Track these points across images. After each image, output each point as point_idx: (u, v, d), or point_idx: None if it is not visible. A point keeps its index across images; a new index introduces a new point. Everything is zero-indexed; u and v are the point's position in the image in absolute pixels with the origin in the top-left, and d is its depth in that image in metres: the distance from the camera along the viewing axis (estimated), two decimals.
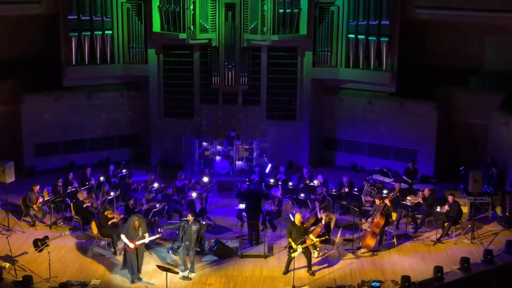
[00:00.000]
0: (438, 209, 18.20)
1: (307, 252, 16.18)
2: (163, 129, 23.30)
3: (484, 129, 21.74)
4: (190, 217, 16.19)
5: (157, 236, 16.49)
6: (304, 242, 16.06)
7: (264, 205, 18.39)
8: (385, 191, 18.95)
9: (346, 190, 19.55)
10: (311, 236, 16.29)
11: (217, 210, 19.63)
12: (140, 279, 15.69)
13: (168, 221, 18.30)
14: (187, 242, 16.05)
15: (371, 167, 22.04)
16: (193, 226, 16.07)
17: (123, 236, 15.66)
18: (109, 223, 17.17)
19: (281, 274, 16.15)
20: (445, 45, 22.40)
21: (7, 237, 17.23)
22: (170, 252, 17.04)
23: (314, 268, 16.35)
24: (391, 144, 22.65)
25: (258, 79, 22.97)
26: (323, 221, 17.08)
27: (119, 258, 16.59)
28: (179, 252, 16.23)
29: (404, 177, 20.73)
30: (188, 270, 16.00)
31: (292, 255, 16.02)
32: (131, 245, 15.58)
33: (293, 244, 16.02)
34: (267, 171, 21.22)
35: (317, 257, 16.88)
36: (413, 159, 21.78)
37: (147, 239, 15.88)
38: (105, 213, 17.34)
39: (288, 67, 22.91)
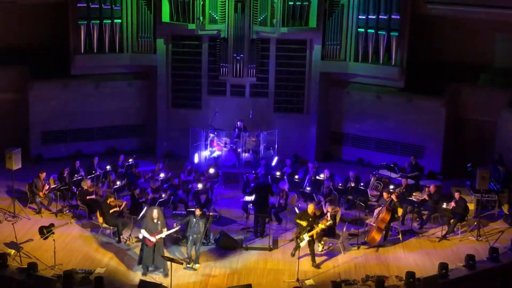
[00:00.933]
0: (444, 205, 18.15)
1: (310, 245, 16.18)
2: (170, 119, 23.28)
3: (492, 126, 21.65)
4: (198, 211, 16.17)
5: (175, 229, 16.22)
6: (311, 230, 16.04)
7: (270, 197, 18.37)
8: (391, 187, 18.91)
9: (352, 184, 19.51)
10: (319, 224, 16.30)
11: (222, 202, 19.63)
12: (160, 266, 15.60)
13: (173, 212, 18.31)
14: (195, 235, 16.05)
15: (378, 162, 21.99)
16: (200, 220, 16.07)
17: (143, 231, 15.53)
18: (111, 211, 17.18)
19: (286, 267, 16.15)
20: (455, 41, 22.29)
21: (12, 224, 17.31)
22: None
23: (318, 261, 16.34)
24: (398, 139, 22.58)
25: (266, 71, 22.91)
26: (328, 215, 17.05)
27: (135, 250, 16.47)
28: (187, 244, 16.19)
29: (408, 173, 20.60)
30: (192, 262, 16.00)
31: (300, 244, 16.04)
32: (152, 239, 15.47)
33: (302, 223, 15.99)
34: (273, 164, 21.20)
35: (322, 251, 16.86)
36: (420, 155, 21.71)
37: (165, 232, 15.71)
38: (108, 201, 17.37)
39: (297, 60, 22.85)
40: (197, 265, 16.03)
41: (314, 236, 16.21)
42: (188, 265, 15.94)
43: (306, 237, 16.02)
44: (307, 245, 16.12)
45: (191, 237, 16.08)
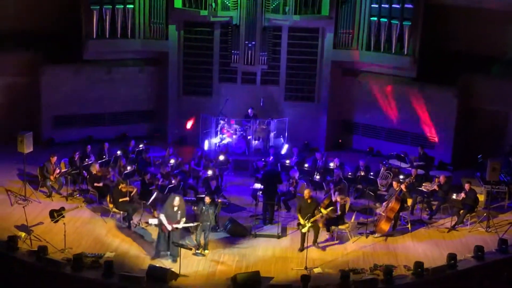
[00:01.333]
0: (454, 196, 18.12)
1: (315, 227, 16.21)
2: (181, 106, 23.30)
3: (504, 117, 21.55)
4: (207, 199, 16.22)
5: (194, 224, 16.16)
6: (312, 216, 16.08)
7: (279, 185, 18.39)
8: (401, 176, 18.88)
9: (362, 173, 19.50)
10: (321, 209, 16.33)
11: (232, 189, 19.66)
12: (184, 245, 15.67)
13: (183, 198, 18.34)
14: (205, 223, 16.11)
15: (388, 151, 21.94)
16: (210, 207, 16.13)
17: (162, 216, 15.60)
18: (120, 200, 17.22)
19: (294, 255, 16.19)
20: (468, 31, 22.15)
21: (23, 207, 17.38)
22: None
23: (327, 251, 16.40)
24: (409, 129, 22.51)
25: (277, 59, 22.86)
26: (338, 205, 17.08)
27: (144, 235, 16.57)
28: (196, 231, 16.24)
29: (416, 163, 20.52)
30: (202, 248, 16.07)
31: (302, 230, 16.12)
32: (169, 227, 15.53)
33: (301, 220, 16.11)
34: (283, 152, 21.20)
35: (331, 237, 16.86)
36: (430, 145, 21.65)
37: (182, 224, 15.74)
38: (119, 186, 17.44)
39: (309, 48, 22.78)
40: (206, 251, 16.09)
41: (319, 224, 16.23)
42: (197, 251, 16.01)
43: (308, 224, 16.06)
44: (311, 231, 16.15)
45: (201, 224, 16.14)
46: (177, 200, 15.71)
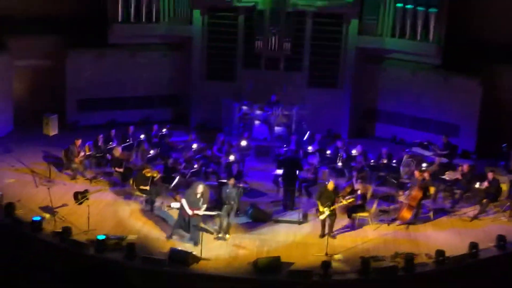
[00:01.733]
0: (477, 185, 18.00)
1: (332, 216, 16.23)
2: (204, 91, 23.35)
3: None
4: (231, 181, 16.28)
5: (214, 213, 16.23)
6: (332, 205, 16.10)
7: (300, 172, 18.40)
8: (424, 165, 18.79)
9: (385, 161, 19.44)
10: (340, 199, 16.35)
11: (253, 174, 19.71)
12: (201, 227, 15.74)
13: (205, 183, 18.40)
14: (229, 205, 16.19)
15: (411, 139, 21.84)
16: (234, 190, 16.19)
17: (184, 201, 15.71)
18: (143, 184, 17.33)
19: (315, 241, 16.22)
20: (495, 20, 21.87)
21: (48, 188, 17.57)
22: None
23: (348, 237, 16.42)
24: (433, 117, 22.38)
25: (301, 45, 22.80)
26: (358, 192, 17.07)
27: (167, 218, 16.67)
28: (220, 215, 16.32)
29: (440, 151, 20.38)
30: (224, 232, 16.18)
31: (320, 217, 16.15)
32: (189, 212, 15.62)
33: (320, 207, 16.12)
34: (305, 138, 21.20)
35: (352, 224, 16.86)
36: (454, 133, 21.51)
37: (203, 211, 15.78)
38: (143, 171, 17.56)
39: (333, 34, 22.69)
40: (227, 236, 16.18)
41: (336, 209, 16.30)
42: (219, 235, 16.11)
43: (326, 211, 16.08)
44: (328, 219, 16.19)
45: (224, 207, 16.23)
46: (200, 187, 15.78)
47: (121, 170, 18.68)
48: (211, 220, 16.73)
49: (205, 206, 15.84)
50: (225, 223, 16.21)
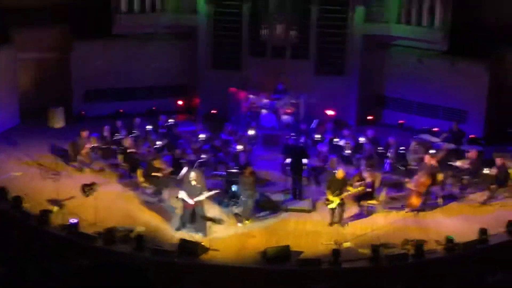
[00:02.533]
0: (486, 171, 17.88)
1: (342, 205, 16.18)
2: (211, 80, 23.24)
3: None
4: (249, 170, 16.34)
5: (215, 192, 16.30)
6: (341, 194, 16.03)
7: (308, 160, 18.32)
8: (432, 151, 18.68)
9: (393, 148, 19.32)
10: (349, 187, 16.29)
11: (262, 164, 19.62)
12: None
13: (213, 172, 18.39)
14: (248, 192, 16.19)
15: (419, 126, 21.71)
16: (250, 178, 16.25)
17: (183, 193, 15.66)
18: (152, 175, 17.28)
19: (324, 230, 16.18)
20: (502, 4, 21.69)
21: (55, 181, 17.53)
22: (228, 207, 17.00)
23: (358, 225, 16.37)
24: (440, 103, 22.24)
25: (307, 33, 22.64)
26: (367, 180, 16.99)
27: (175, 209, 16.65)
28: (243, 203, 16.34)
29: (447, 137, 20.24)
30: (244, 217, 16.22)
31: (329, 206, 16.09)
32: (191, 202, 15.57)
33: (329, 196, 16.07)
34: (312, 126, 21.08)
35: (361, 212, 16.80)
36: (462, 119, 21.37)
37: (204, 195, 15.77)
38: (153, 162, 17.49)
39: (339, 21, 22.53)
40: (247, 222, 16.14)
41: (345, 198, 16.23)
42: (239, 223, 16.13)
43: (336, 200, 16.02)
44: (338, 208, 16.14)
45: (244, 194, 16.25)
46: (192, 174, 15.73)
47: (128, 163, 18.61)
48: (228, 208, 16.72)
49: (205, 191, 15.75)
50: (244, 209, 16.16)
